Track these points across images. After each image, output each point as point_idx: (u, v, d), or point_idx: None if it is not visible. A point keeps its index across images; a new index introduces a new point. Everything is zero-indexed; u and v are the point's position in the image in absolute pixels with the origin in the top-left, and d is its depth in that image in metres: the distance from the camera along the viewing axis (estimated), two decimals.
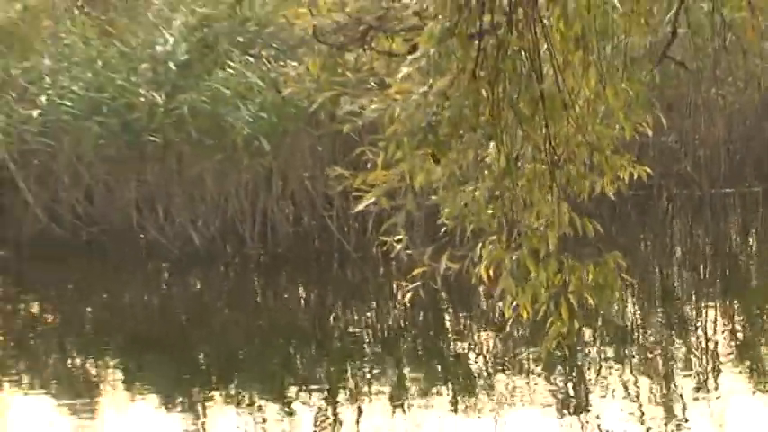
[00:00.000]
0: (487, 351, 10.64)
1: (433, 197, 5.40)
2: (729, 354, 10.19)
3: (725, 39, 6.07)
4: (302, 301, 13.17)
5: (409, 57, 4.94)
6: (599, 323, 10.70)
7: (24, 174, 14.44)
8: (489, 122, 4.75)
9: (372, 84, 6.12)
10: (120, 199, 14.42)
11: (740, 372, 9.71)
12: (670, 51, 5.61)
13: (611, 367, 9.90)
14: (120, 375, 10.42)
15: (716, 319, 11.44)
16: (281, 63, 12.86)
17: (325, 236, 13.95)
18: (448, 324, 11.82)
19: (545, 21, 4.73)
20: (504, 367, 10.05)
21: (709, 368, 9.86)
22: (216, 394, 9.73)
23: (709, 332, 10.93)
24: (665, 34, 5.70)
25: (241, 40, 14.23)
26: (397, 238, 5.89)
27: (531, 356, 10.04)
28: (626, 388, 9.41)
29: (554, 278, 5.09)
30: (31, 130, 14.05)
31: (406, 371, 10.12)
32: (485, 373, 9.96)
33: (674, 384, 9.44)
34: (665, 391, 9.31)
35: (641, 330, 11.08)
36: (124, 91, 13.91)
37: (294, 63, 11.52)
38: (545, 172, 4.97)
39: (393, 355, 10.62)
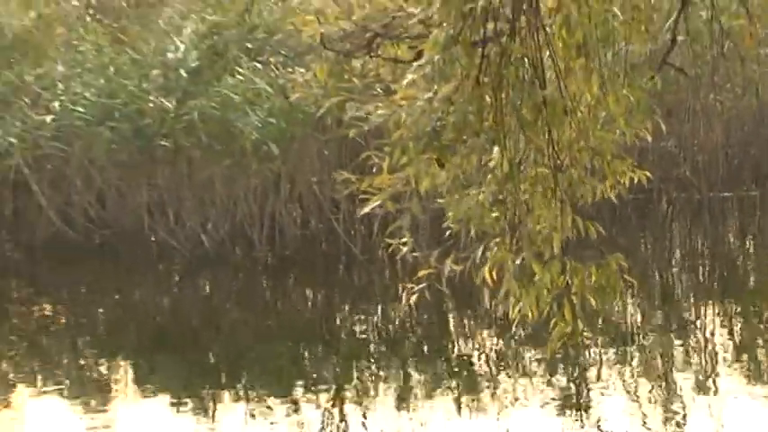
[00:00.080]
0: (492, 351, 10.70)
1: (438, 201, 5.42)
2: (728, 354, 10.23)
3: (723, 46, 6.20)
4: (310, 303, 13.23)
5: (414, 63, 4.97)
6: (600, 324, 10.77)
7: (38, 178, 14.54)
8: (493, 128, 4.81)
9: (378, 90, 6.14)
10: (132, 202, 14.51)
11: (740, 372, 9.73)
12: (669, 58, 5.70)
13: (613, 368, 9.94)
14: (131, 375, 10.48)
15: (715, 319, 11.51)
16: (289, 69, 12.98)
17: (332, 238, 14.03)
18: (453, 325, 11.88)
19: (547, 28, 4.82)
20: (509, 368, 10.09)
21: (709, 368, 9.88)
22: (225, 394, 9.79)
23: (709, 333, 10.97)
24: (665, 41, 5.80)
25: (250, 47, 14.31)
26: (403, 240, 5.91)
27: (535, 357, 10.10)
28: (629, 388, 9.46)
29: (557, 280, 5.10)
30: (45, 135, 14.15)
31: (411, 371, 10.14)
32: (489, 374, 10.00)
33: (675, 384, 9.47)
34: (665, 391, 9.35)
35: (641, 331, 11.09)
36: (135, 97, 14.00)
37: (302, 69, 11.68)
38: (547, 176, 5.02)
39: (399, 355, 10.65)
